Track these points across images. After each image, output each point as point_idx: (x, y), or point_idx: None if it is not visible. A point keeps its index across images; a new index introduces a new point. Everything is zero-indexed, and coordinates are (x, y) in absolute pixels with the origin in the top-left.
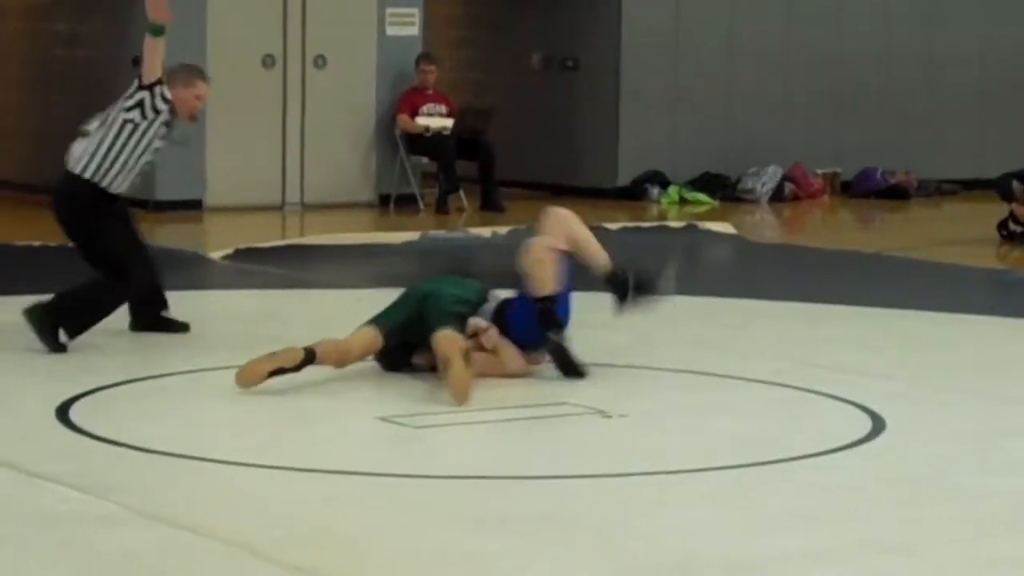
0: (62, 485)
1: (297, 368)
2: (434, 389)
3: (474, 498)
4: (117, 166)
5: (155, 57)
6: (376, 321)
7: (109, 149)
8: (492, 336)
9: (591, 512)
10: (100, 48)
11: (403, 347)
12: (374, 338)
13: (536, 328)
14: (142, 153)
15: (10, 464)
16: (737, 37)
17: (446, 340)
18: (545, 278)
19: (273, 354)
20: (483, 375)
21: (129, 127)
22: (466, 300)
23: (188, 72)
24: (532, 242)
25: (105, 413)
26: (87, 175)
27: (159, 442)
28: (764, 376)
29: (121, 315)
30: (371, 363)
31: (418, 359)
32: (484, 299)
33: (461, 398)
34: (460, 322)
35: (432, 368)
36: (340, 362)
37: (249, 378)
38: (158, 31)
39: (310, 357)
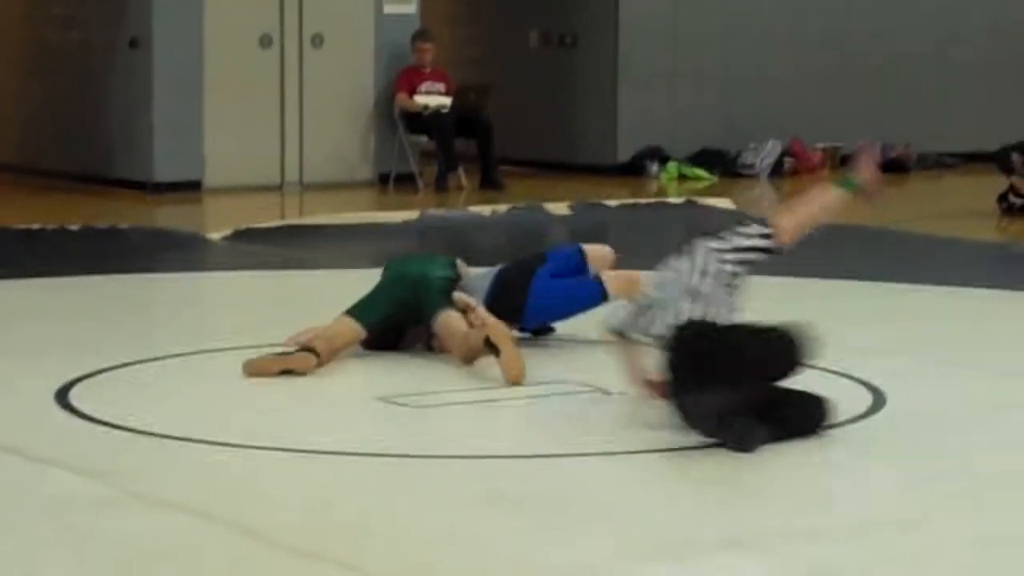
0: (62, 469)
1: (306, 372)
2: (432, 368)
3: (477, 478)
4: None
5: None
6: (358, 316)
7: None
8: (481, 313)
9: (594, 490)
10: (96, 31)
11: (385, 331)
12: (357, 333)
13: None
14: None
15: (10, 448)
16: (736, 11)
17: (495, 329)
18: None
19: (286, 355)
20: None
21: None
22: (448, 277)
23: None
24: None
25: (105, 396)
26: None
27: (159, 425)
28: None
29: (119, 298)
30: None
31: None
32: (458, 273)
33: (520, 377)
34: (450, 300)
35: (429, 348)
36: (328, 359)
37: (257, 374)
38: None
39: (316, 357)
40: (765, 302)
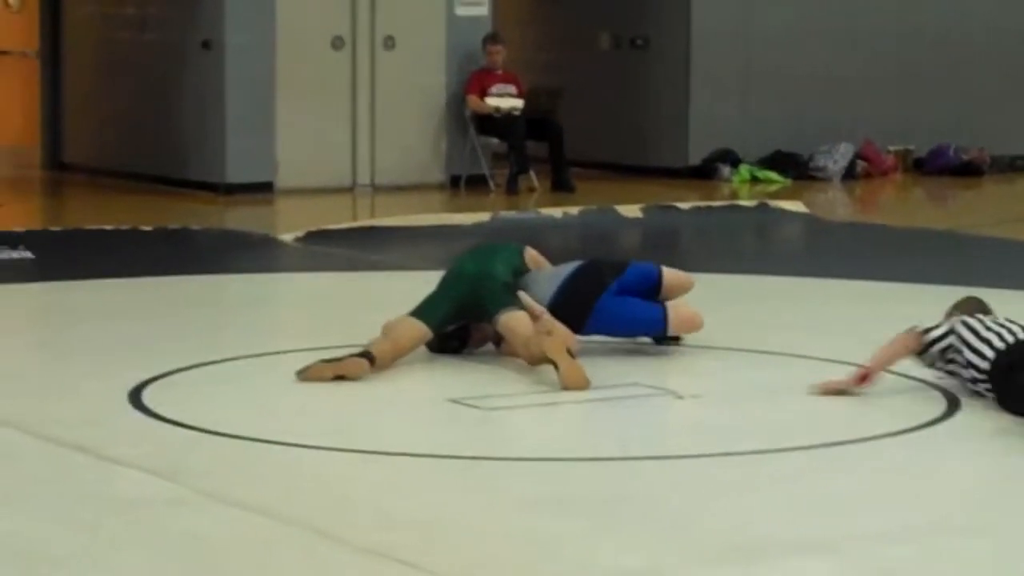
0: (134, 468)
1: (358, 378)
2: (502, 371)
3: (544, 480)
4: None
5: None
6: (423, 317)
7: None
8: (546, 321)
9: (662, 494)
10: (169, 32)
11: (449, 332)
12: (424, 334)
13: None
14: None
15: (83, 448)
16: (808, 13)
17: (553, 343)
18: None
19: (338, 361)
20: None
21: None
22: (513, 271)
23: None
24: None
25: (177, 396)
26: None
27: (230, 425)
28: (837, 355)
29: (191, 299)
30: None
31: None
32: (525, 264)
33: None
34: (515, 297)
35: (481, 343)
36: (393, 361)
37: (311, 379)
38: None
39: (370, 363)
40: (842, 303)
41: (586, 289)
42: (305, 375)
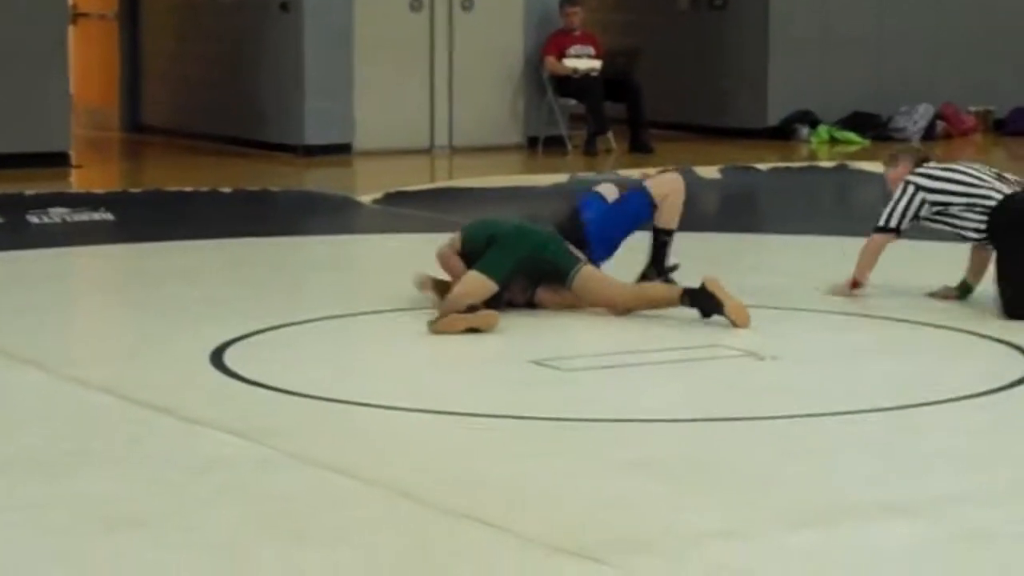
0: (218, 430)
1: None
2: (584, 331)
3: (626, 441)
4: None
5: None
6: (488, 271)
7: None
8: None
9: (744, 456)
10: None
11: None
12: (490, 288)
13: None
14: None
15: (167, 409)
16: None
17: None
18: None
19: (473, 312)
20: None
21: None
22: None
23: None
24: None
25: (258, 358)
26: None
27: (312, 386)
28: (918, 317)
29: (271, 261)
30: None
31: (543, 294)
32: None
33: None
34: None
35: (529, 304)
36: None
37: (444, 330)
38: None
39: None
40: (920, 265)
41: (565, 222)
42: (436, 327)
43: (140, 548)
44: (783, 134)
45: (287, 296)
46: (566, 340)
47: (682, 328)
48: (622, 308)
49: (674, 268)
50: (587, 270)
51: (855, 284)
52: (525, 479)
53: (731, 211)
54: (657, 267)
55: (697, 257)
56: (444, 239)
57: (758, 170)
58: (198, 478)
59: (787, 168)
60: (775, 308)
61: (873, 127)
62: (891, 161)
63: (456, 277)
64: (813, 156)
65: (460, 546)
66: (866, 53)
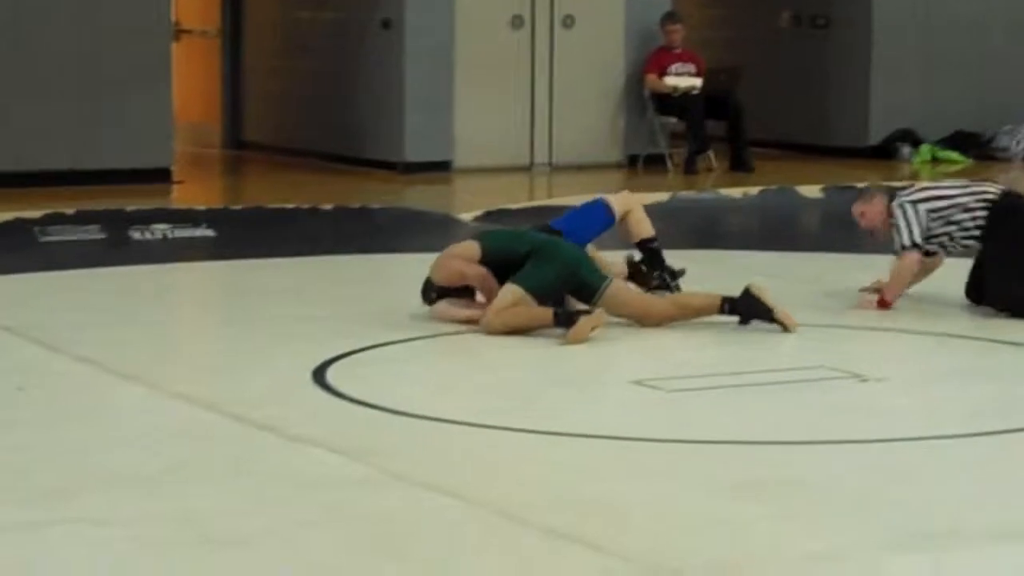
0: (321, 448)
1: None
2: (684, 352)
3: (730, 463)
4: None
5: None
6: (529, 285)
7: None
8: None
9: (851, 478)
10: (348, 10)
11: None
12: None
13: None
14: None
15: (270, 427)
16: None
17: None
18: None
19: (590, 315)
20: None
21: None
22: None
23: None
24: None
25: (361, 376)
26: None
27: (413, 405)
28: (1016, 338)
29: (371, 278)
30: (629, 325)
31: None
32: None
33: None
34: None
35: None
36: None
37: (579, 337)
38: None
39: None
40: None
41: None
42: (574, 334)
43: (241, 566)
44: (885, 153)
45: (388, 314)
46: (665, 360)
47: (787, 349)
48: (657, 318)
49: (681, 272)
50: (616, 285)
51: (884, 304)
52: (628, 500)
53: (833, 231)
54: (664, 272)
55: (800, 277)
56: (454, 248)
57: (860, 190)
58: (300, 496)
59: (889, 187)
60: (879, 329)
61: (975, 146)
62: (867, 197)
63: (480, 285)
64: (915, 175)
65: (562, 567)
66: (969, 72)
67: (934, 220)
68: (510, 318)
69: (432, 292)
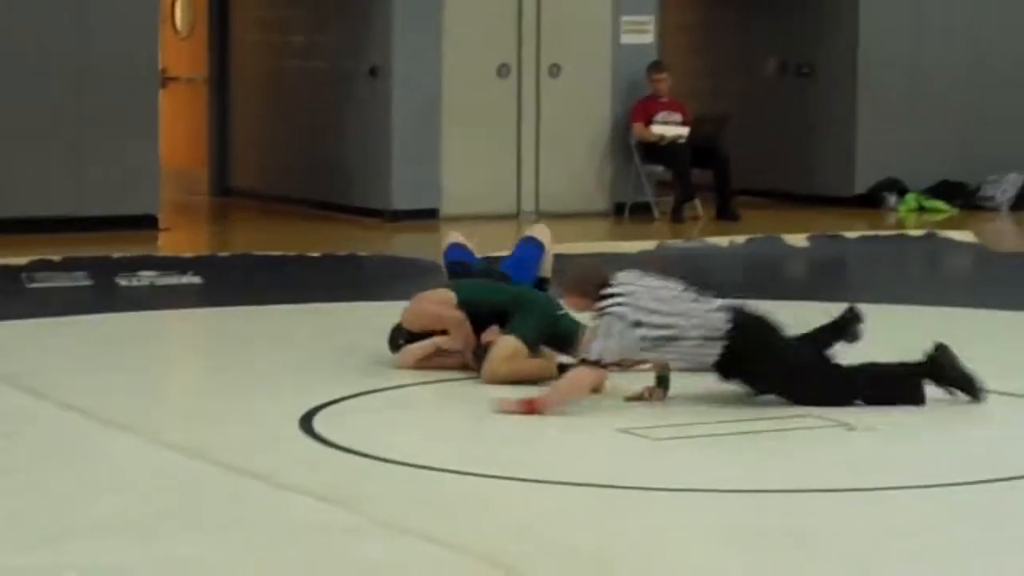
0: (308, 496)
1: None
2: (671, 401)
3: (717, 512)
4: None
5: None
6: (524, 334)
7: None
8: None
9: (840, 528)
10: (335, 59)
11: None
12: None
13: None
14: None
15: (257, 475)
16: (977, 41)
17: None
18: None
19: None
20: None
21: None
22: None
23: None
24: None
25: (348, 424)
26: None
27: (400, 452)
28: (1012, 388)
29: (359, 326)
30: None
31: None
32: None
33: None
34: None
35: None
36: None
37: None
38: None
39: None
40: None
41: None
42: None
43: None
44: (871, 202)
45: (375, 361)
46: (651, 409)
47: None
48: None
49: None
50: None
51: (532, 408)
52: (615, 550)
53: (820, 279)
54: None
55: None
56: (427, 294)
57: (846, 238)
58: (288, 544)
59: (876, 236)
60: None
61: (962, 196)
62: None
63: (456, 329)
64: (901, 224)
65: None
66: (955, 121)
67: (648, 345)
68: (518, 367)
69: (400, 339)
